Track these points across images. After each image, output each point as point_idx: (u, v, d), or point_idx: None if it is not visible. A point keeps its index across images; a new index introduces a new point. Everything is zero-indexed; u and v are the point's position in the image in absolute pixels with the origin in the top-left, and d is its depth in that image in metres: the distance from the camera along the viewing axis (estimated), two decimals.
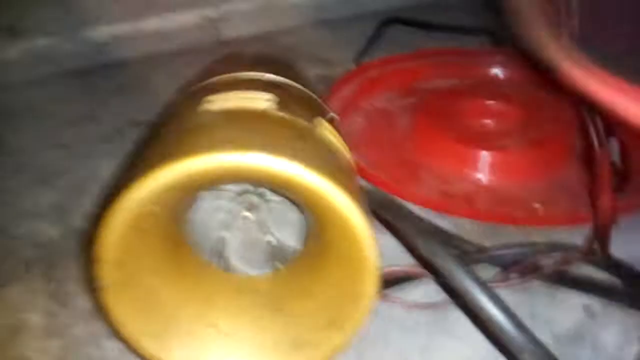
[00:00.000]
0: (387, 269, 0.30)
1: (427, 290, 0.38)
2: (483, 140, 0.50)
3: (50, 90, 0.69)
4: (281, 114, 0.28)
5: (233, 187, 0.33)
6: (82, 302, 0.39)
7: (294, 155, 0.24)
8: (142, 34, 0.77)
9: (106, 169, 0.53)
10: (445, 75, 0.63)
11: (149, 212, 0.25)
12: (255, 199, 0.33)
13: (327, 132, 0.30)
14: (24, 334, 0.37)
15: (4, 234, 0.46)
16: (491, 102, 0.55)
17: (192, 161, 0.24)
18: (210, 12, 0.79)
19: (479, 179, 0.49)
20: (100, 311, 0.28)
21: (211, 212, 0.34)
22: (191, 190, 0.26)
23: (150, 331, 0.28)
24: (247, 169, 0.24)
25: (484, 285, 0.25)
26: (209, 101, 0.30)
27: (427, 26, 0.77)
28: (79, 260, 0.43)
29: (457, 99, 0.56)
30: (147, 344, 0.27)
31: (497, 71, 0.63)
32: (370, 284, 0.26)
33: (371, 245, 0.25)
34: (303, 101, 0.33)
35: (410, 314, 0.36)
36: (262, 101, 0.29)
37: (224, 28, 0.81)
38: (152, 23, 0.77)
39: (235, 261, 0.33)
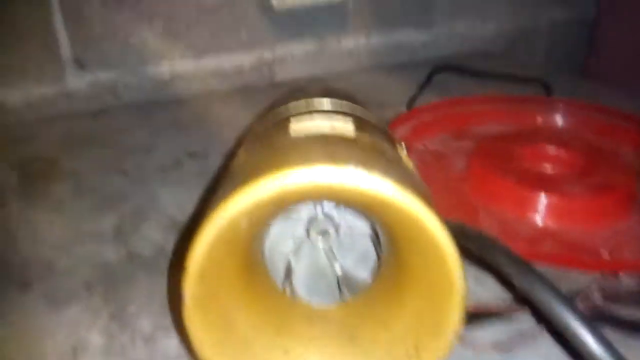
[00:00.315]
0: (471, 303, 0.29)
1: (494, 330, 0.36)
2: (544, 184, 0.50)
3: (111, 121, 0.71)
4: (368, 138, 0.28)
5: (304, 212, 0.33)
6: (142, 324, 0.39)
7: (389, 175, 0.24)
8: (200, 72, 0.80)
9: (164, 196, 0.54)
10: (500, 120, 0.63)
11: (237, 227, 0.25)
12: (325, 226, 0.33)
13: (407, 159, 0.30)
14: (84, 353, 0.36)
15: (66, 254, 0.46)
16: (550, 147, 0.55)
17: (289, 174, 0.24)
18: (266, 54, 0.82)
19: (541, 223, 0.48)
20: (179, 329, 0.27)
21: (281, 238, 0.34)
22: (280, 207, 0.26)
23: (226, 353, 0.27)
24: (341, 185, 0.24)
25: (586, 320, 0.24)
26: (294, 125, 0.30)
27: (478, 74, 0.78)
28: (138, 283, 0.43)
29: (515, 143, 0.56)
30: None
31: (553, 118, 0.62)
32: (456, 315, 0.25)
33: (460, 274, 0.25)
34: (379, 129, 0.33)
35: (479, 356, 0.34)
36: (346, 126, 0.30)
37: (279, 70, 0.83)
38: (211, 62, 0.80)
39: (301, 290, 0.33)
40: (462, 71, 0.80)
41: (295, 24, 0.81)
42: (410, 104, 0.70)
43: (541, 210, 0.48)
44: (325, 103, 0.36)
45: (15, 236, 0.49)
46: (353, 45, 0.85)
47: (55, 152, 0.64)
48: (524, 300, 0.29)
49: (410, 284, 0.27)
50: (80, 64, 0.74)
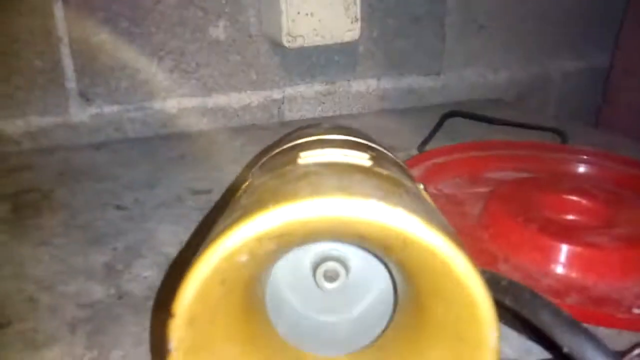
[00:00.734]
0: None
1: None
2: (568, 233, 0.46)
3: (113, 155, 0.69)
4: (386, 171, 0.25)
5: (310, 250, 0.30)
6: None
7: (414, 210, 0.21)
8: (207, 110, 0.78)
9: (162, 233, 0.51)
10: (517, 167, 0.61)
11: (235, 266, 0.22)
12: (336, 268, 0.29)
13: (429, 197, 0.27)
14: None
15: (51, 292, 0.43)
16: (572, 197, 0.52)
17: (294, 206, 0.21)
18: (275, 93, 0.80)
19: (566, 276, 0.44)
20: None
21: (286, 283, 0.31)
22: (285, 246, 0.23)
23: None
24: (358, 221, 0.21)
25: None
26: (304, 156, 0.28)
27: (491, 120, 0.76)
28: (125, 325, 0.39)
29: (534, 191, 0.53)
30: None
31: (573, 166, 0.60)
32: None
33: (493, 326, 0.21)
34: (397, 164, 0.31)
35: None
36: (361, 158, 0.27)
37: (288, 110, 0.82)
38: (219, 100, 0.79)
39: (310, 341, 0.29)
40: (474, 117, 0.78)
41: (305, 65, 0.80)
42: (422, 147, 0.68)
43: (565, 261, 0.44)
44: (338, 137, 0.34)
45: None
46: (363, 88, 0.84)
47: (51, 183, 0.61)
48: None
49: (431, 334, 0.24)
50: (85, 97, 0.73)
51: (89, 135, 0.74)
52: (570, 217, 0.51)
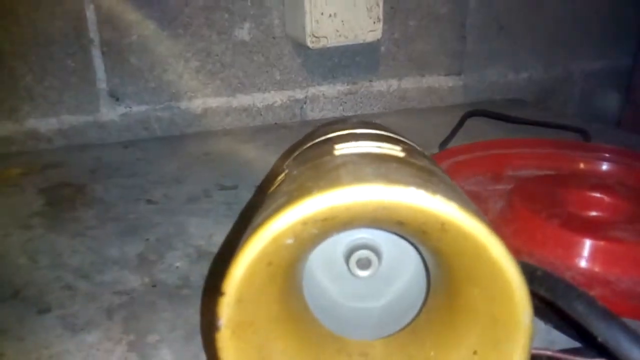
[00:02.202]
0: (535, 351, 0.26)
1: None
2: (592, 228, 0.47)
3: (142, 153, 0.71)
4: (419, 162, 0.27)
5: (344, 243, 0.31)
6: (163, 354, 0.36)
7: (449, 197, 0.22)
8: (232, 109, 0.80)
9: (192, 226, 0.53)
10: (539, 165, 0.61)
11: (281, 248, 0.23)
12: (369, 256, 0.31)
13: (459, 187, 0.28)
14: None
15: (87, 280, 0.45)
16: (595, 193, 0.53)
17: (339, 192, 0.22)
18: (297, 94, 0.82)
19: (589, 270, 0.44)
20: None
21: (320, 270, 0.32)
22: (327, 231, 0.24)
23: None
24: (398, 206, 0.22)
25: None
26: (339, 148, 0.29)
27: (513, 120, 0.77)
28: (160, 312, 0.41)
29: (557, 187, 0.54)
30: None
31: (596, 164, 0.60)
32: (519, 358, 0.23)
33: (528, 309, 0.22)
34: (426, 156, 0.32)
35: None
36: (394, 150, 0.28)
37: (310, 109, 0.83)
38: (243, 100, 0.80)
39: (344, 324, 0.31)
40: (495, 117, 0.78)
41: (328, 65, 0.81)
42: (443, 145, 0.69)
43: (589, 255, 0.45)
44: (368, 131, 0.35)
45: (37, 260, 0.47)
46: (384, 87, 0.85)
47: (84, 179, 0.63)
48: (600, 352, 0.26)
49: (466, 317, 0.25)
50: (115, 97, 0.75)
51: (119, 133, 0.76)
52: (594, 213, 0.51)
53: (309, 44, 0.72)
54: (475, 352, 0.24)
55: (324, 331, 0.29)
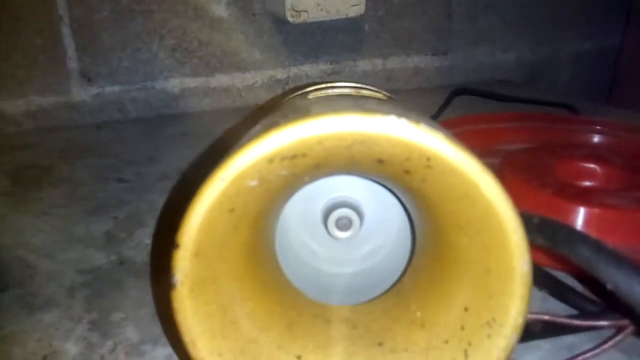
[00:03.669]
0: (530, 315, 0.24)
1: (545, 350, 0.31)
2: (585, 197, 0.44)
3: (115, 134, 0.68)
4: (400, 102, 0.24)
5: (323, 203, 0.29)
6: (126, 334, 0.33)
7: (435, 129, 0.19)
8: (210, 90, 0.77)
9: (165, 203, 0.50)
10: (530, 138, 0.59)
11: (246, 192, 0.20)
12: (349, 215, 0.28)
13: None
14: None
15: (50, 259, 0.41)
16: (588, 164, 0.50)
17: (308, 123, 0.19)
18: (279, 73, 0.79)
19: None
20: (167, 322, 0.22)
21: (296, 233, 0.29)
22: (293, 172, 0.21)
23: (224, 353, 0.22)
24: (377, 139, 0.19)
25: None
26: (315, 94, 0.26)
27: (500, 97, 0.75)
28: (126, 290, 0.37)
29: (549, 159, 0.51)
30: None
31: (589, 137, 0.58)
32: (518, 307, 0.20)
33: (524, 254, 0.20)
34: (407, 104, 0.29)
35: None
36: (375, 93, 0.26)
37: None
38: (222, 80, 0.77)
39: (322, 289, 0.28)
40: (483, 95, 0.76)
41: (310, 44, 0.79)
42: None
43: (583, 223, 0.43)
44: (347, 84, 0.32)
45: None
46: (369, 67, 0.83)
47: (52, 160, 0.60)
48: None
49: (455, 271, 0.22)
50: (87, 77, 0.72)
51: (91, 115, 0.73)
52: (587, 183, 0.49)
53: (289, 19, 0.69)
54: (466, 309, 0.22)
55: (298, 295, 0.26)
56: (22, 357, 0.31)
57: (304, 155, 0.20)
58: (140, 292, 0.37)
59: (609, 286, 0.20)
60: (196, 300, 0.21)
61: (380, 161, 0.21)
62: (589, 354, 0.29)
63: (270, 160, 0.20)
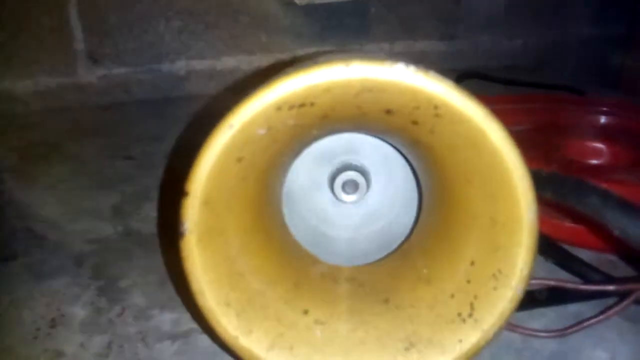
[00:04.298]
0: (535, 281, 0.24)
1: (550, 318, 0.31)
2: (593, 173, 0.44)
3: (123, 114, 0.68)
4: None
5: (329, 164, 0.29)
6: (134, 299, 0.33)
7: (442, 78, 0.19)
8: (216, 72, 0.77)
9: None
10: (536, 120, 0.59)
11: (254, 140, 0.20)
12: (355, 177, 0.28)
13: None
14: (64, 327, 0.31)
15: (57, 229, 0.42)
16: (595, 143, 0.50)
17: (317, 72, 0.19)
18: (285, 56, 0.79)
19: None
20: (177, 271, 0.22)
21: (304, 193, 0.29)
22: (301, 122, 0.21)
23: (231, 303, 0.22)
24: (385, 86, 0.19)
25: None
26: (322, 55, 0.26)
27: (507, 81, 0.75)
28: (133, 259, 0.38)
29: (556, 138, 0.51)
30: (226, 319, 0.22)
31: (595, 118, 0.58)
32: (525, 257, 0.20)
33: (530, 199, 0.20)
34: None
35: (528, 342, 0.29)
36: (381, 54, 0.26)
37: None
38: (228, 63, 0.77)
39: (329, 251, 0.28)
40: (490, 79, 0.76)
41: (316, 27, 0.78)
42: None
43: None
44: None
45: (4, 211, 0.44)
46: (376, 50, 0.82)
47: (60, 139, 0.60)
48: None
49: (461, 227, 0.22)
50: (94, 59, 0.72)
51: (98, 96, 0.73)
52: (594, 161, 0.49)
53: (296, 0, 0.68)
54: (472, 263, 0.22)
55: (306, 254, 0.26)
56: (32, 320, 0.32)
57: (312, 104, 0.20)
58: (147, 261, 0.38)
59: (616, 232, 0.20)
60: (204, 250, 0.21)
61: (388, 111, 0.21)
62: (593, 320, 0.29)
63: (279, 107, 0.20)
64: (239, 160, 0.21)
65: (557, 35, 0.93)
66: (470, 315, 0.21)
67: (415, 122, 0.21)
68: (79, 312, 0.32)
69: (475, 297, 0.21)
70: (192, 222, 0.21)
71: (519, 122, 0.59)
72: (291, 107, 0.20)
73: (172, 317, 0.32)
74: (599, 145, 0.50)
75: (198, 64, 0.76)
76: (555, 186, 0.23)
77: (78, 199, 0.46)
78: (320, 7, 0.75)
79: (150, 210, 0.44)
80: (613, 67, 0.92)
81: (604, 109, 0.58)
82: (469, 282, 0.22)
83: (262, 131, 0.20)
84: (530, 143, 0.50)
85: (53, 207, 0.45)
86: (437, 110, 0.19)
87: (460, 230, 0.22)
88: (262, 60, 0.78)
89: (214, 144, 0.20)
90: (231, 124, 0.20)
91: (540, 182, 0.23)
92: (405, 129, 0.21)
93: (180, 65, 0.76)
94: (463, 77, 0.75)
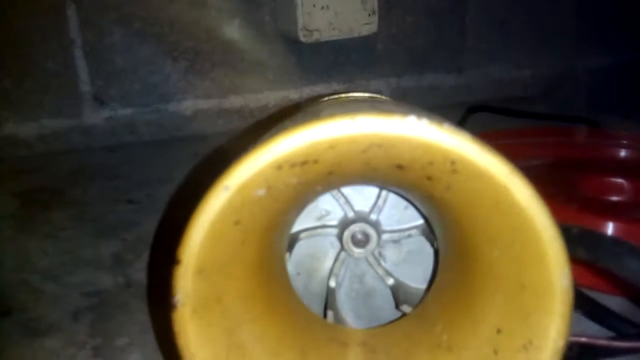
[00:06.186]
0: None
1: None
2: (612, 211, 0.42)
3: (128, 156, 0.67)
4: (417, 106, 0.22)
5: (333, 218, 0.27)
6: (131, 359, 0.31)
7: (462, 132, 0.18)
8: (223, 111, 0.76)
9: None
10: (552, 154, 0.57)
11: (253, 202, 0.19)
12: (365, 229, 0.26)
13: None
14: None
15: (55, 282, 0.40)
16: (615, 178, 0.48)
17: (320, 126, 0.18)
18: (292, 94, 0.78)
19: None
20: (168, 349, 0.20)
21: (312, 251, 0.27)
22: (304, 180, 0.19)
23: None
24: (396, 141, 0.17)
25: None
26: (327, 100, 0.25)
27: (519, 114, 0.73)
28: (132, 314, 0.36)
29: (575, 174, 0.49)
30: None
31: (612, 151, 0.56)
32: (557, 326, 0.18)
33: (562, 263, 0.18)
34: None
35: None
36: (390, 100, 0.24)
37: None
38: (235, 102, 0.77)
39: (346, 313, 0.26)
40: (500, 111, 0.74)
41: (323, 64, 0.78)
42: None
43: None
44: (359, 95, 0.31)
45: (1, 262, 0.43)
46: (383, 86, 0.81)
47: (62, 183, 0.59)
48: None
49: (486, 289, 0.20)
50: (100, 100, 0.72)
51: (103, 138, 0.72)
52: (614, 198, 0.47)
53: (302, 38, 0.68)
54: (499, 330, 0.19)
55: (311, 317, 0.24)
56: None
57: (315, 161, 0.18)
58: (147, 315, 0.36)
59: None
60: (199, 323, 0.19)
61: (399, 167, 0.19)
62: None
63: (279, 166, 0.18)
64: (236, 223, 0.19)
65: (566, 65, 0.92)
66: None
67: (429, 178, 0.19)
68: None
69: None
70: (184, 293, 0.19)
71: (535, 156, 0.57)
72: (293, 166, 0.18)
73: None
74: (620, 180, 0.48)
75: (204, 103, 0.76)
76: (589, 246, 0.21)
77: (78, 248, 0.45)
78: (326, 44, 0.74)
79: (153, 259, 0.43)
80: (622, 99, 0.91)
81: (624, 142, 0.56)
82: (495, 352, 0.19)
83: (261, 192, 0.18)
84: (546, 179, 0.48)
85: (52, 257, 0.43)
86: (454, 166, 0.18)
87: (483, 293, 0.20)
88: (269, 98, 0.78)
89: (208, 208, 0.18)
90: (226, 186, 0.18)
91: (571, 241, 0.21)
92: (418, 185, 0.20)
93: (187, 105, 0.75)
94: (472, 111, 0.74)
